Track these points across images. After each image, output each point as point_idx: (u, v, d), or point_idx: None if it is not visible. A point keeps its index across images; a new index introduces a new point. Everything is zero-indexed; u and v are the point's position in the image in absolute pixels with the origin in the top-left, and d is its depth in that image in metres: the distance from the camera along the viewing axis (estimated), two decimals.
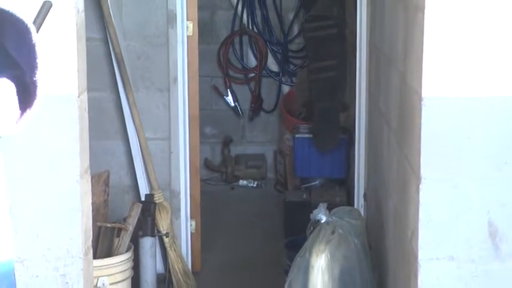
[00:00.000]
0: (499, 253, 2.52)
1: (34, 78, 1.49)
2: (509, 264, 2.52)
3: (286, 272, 3.54)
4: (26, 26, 1.47)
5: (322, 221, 3.41)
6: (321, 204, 3.52)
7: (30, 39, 1.48)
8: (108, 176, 4.28)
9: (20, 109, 1.50)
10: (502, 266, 2.53)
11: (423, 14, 2.49)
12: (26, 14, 1.48)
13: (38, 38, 1.48)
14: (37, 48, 1.48)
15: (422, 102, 2.50)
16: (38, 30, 2.39)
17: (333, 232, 3.35)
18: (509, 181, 2.50)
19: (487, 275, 2.53)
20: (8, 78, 1.50)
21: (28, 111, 1.51)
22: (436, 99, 2.50)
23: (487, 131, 2.49)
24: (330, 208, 3.54)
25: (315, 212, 3.46)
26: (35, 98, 1.50)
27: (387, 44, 3.65)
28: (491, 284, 2.54)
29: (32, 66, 1.48)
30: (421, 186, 2.53)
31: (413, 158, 2.67)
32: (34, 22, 2.40)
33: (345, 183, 5.91)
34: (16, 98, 1.49)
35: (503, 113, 2.49)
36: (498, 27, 2.45)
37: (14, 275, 1.59)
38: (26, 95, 1.50)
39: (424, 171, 2.53)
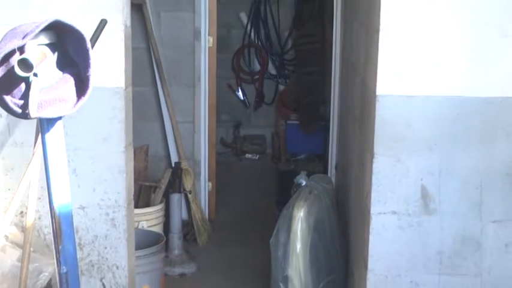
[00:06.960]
0: (427, 209, 2.52)
1: (87, 74, 1.50)
2: (434, 217, 2.52)
3: (276, 221, 3.55)
4: (82, 35, 1.48)
5: (303, 184, 3.39)
6: (302, 172, 3.51)
7: (86, 45, 1.49)
8: (147, 148, 4.31)
9: (77, 96, 1.52)
10: (429, 218, 2.53)
11: (378, 35, 2.48)
12: (82, 26, 1.49)
13: (90, 45, 1.50)
14: (90, 52, 1.49)
15: (376, 99, 2.49)
16: (97, 40, 2.40)
17: (310, 192, 3.33)
18: (437, 157, 2.49)
19: (419, 225, 2.54)
20: (69, 73, 1.51)
21: (82, 98, 1.53)
22: (386, 97, 2.48)
23: (423, 120, 2.48)
24: (309, 175, 3.55)
25: (297, 177, 3.43)
26: (88, 88, 1.51)
27: (353, 56, 3.63)
28: (422, 231, 2.54)
29: (87, 65, 1.50)
30: (374, 160, 2.52)
31: (369, 139, 2.66)
32: (94, 34, 2.41)
33: (323, 157, 5.91)
34: (74, 88, 1.51)
35: (434, 108, 2.48)
36: (430, 44, 2.45)
37: (72, 216, 1.60)
38: (81, 86, 1.51)
39: (376, 149, 2.52)
